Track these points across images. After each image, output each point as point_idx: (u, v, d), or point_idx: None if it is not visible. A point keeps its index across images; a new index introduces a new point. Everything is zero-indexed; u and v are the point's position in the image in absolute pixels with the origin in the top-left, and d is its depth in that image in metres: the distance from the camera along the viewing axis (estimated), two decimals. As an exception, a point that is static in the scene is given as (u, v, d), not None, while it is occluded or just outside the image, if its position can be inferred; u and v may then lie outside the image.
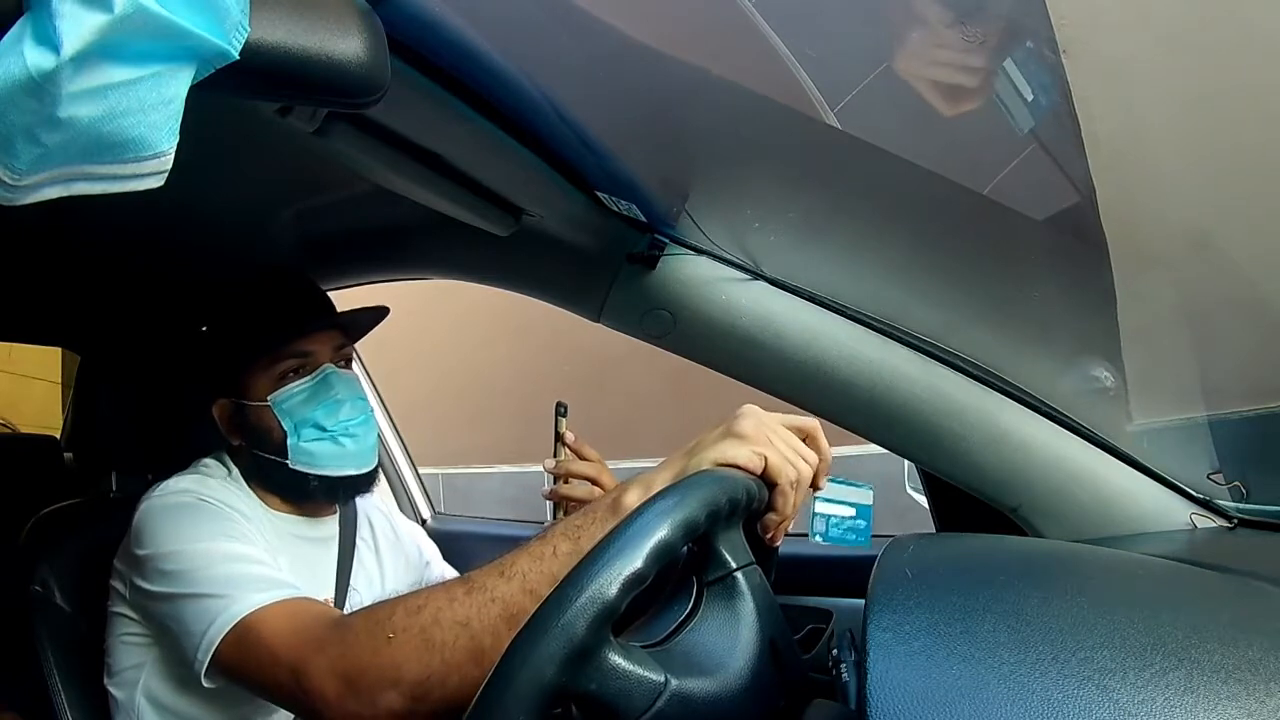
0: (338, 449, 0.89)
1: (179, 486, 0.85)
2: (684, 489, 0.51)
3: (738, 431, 0.60)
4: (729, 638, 0.52)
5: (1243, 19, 0.54)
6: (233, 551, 0.76)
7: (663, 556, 0.45)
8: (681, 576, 0.56)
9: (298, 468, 0.88)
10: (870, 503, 0.70)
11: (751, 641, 0.52)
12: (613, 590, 0.42)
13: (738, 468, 0.59)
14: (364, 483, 0.93)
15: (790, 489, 0.60)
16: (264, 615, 0.68)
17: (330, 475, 0.89)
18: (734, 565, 0.54)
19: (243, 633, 0.68)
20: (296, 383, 0.89)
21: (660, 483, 0.59)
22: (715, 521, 0.51)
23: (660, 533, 0.46)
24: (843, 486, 0.73)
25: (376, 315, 1.01)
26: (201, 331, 0.97)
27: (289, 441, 0.88)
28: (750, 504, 0.57)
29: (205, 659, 0.69)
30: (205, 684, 0.71)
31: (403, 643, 0.58)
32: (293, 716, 0.80)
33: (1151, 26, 0.56)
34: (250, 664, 0.68)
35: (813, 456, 0.63)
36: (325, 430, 0.88)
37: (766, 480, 0.60)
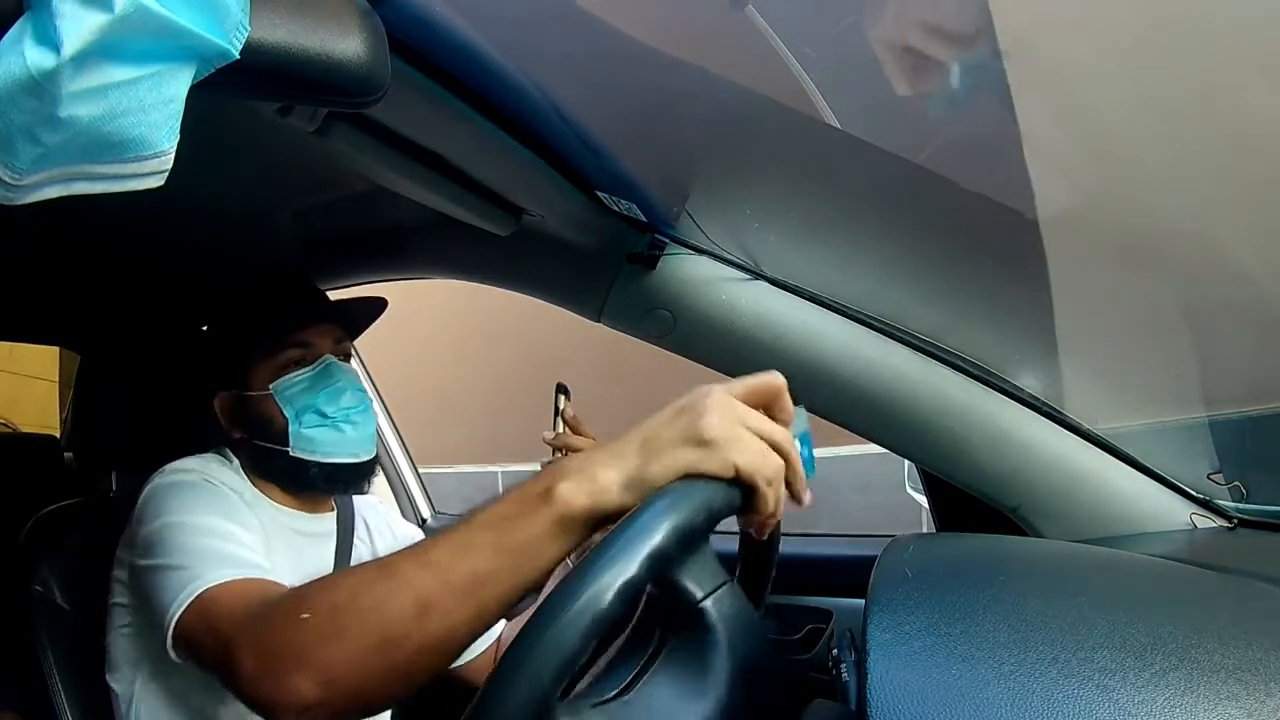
0: (338, 435, 0.90)
1: (185, 466, 0.86)
2: (637, 529, 0.44)
3: (702, 436, 0.50)
4: (694, 684, 0.47)
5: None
6: (214, 527, 0.77)
7: (627, 599, 0.41)
8: (641, 619, 0.51)
9: (298, 454, 0.89)
10: (808, 427, 0.59)
11: (721, 682, 0.47)
12: (550, 673, 0.39)
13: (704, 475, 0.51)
14: (364, 471, 0.94)
15: (768, 487, 0.52)
16: (220, 591, 0.68)
17: (331, 462, 0.90)
18: (699, 595, 0.48)
19: (199, 607, 0.68)
20: (298, 372, 0.90)
21: (604, 481, 0.50)
22: (676, 553, 0.45)
23: (617, 585, 0.41)
24: None
25: (375, 309, 1.02)
26: (203, 330, 0.98)
27: (290, 429, 0.89)
28: (723, 517, 0.49)
29: (169, 631, 0.69)
30: (173, 656, 0.71)
31: (314, 623, 0.55)
32: None
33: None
34: (203, 639, 0.67)
35: (786, 436, 0.54)
36: (326, 417, 0.89)
37: (741, 485, 0.51)
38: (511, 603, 0.50)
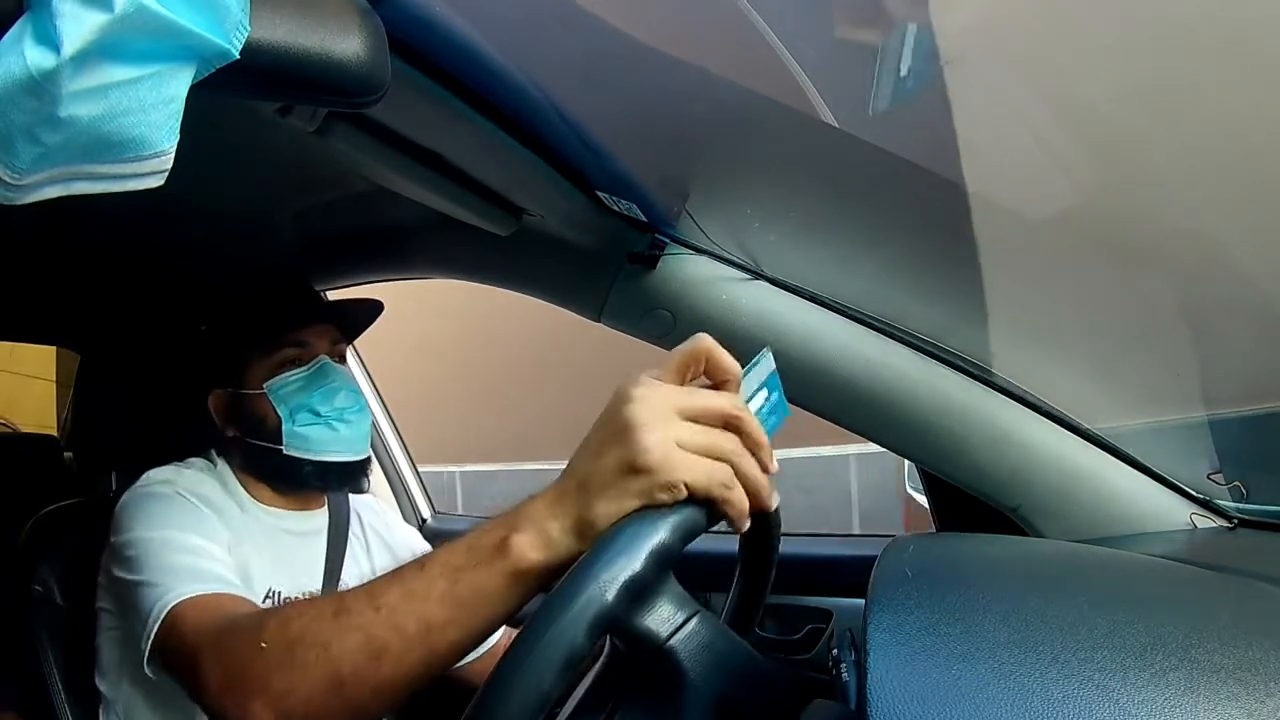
0: (332, 434, 0.90)
1: (158, 478, 0.87)
2: (575, 592, 0.40)
3: (637, 463, 0.44)
4: None
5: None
6: (184, 543, 0.78)
7: (572, 668, 0.38)
8: (596, 677, 0.48)
9: (292, 453, 0.89)
10: (773, 367, 0.52)
11: None
12: None
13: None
14: (357, 471, 0.94)
15: (728, 491, 0.46)
16: (188, 606, 0.70)
17: (324, 460, 0.90)
18: (664, 635, 0.44)
19: (171, 623, 0.69)
20: (293, 371, 0.91)
21: (554, 533, 0.47)
22: (628, 603, 0.41)
23: (566, 648, 0.38)
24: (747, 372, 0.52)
25: (372, 311, 1.03)
26: (201, 330, 0.98)
27: (284, 427, 0.89)
28: (687, 542, 0.44)
29: (146, 648, 0.71)
30: (148, 672, 0.72)
31: (271, 653, 0.55)
32: None
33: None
34: (174, 654, 0.68)
35: (732, 403, 0.48)
36: (320, 415, 0.90)
37: (698, 501, 0.45)
38: (465, 650, 0.50)
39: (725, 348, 0.50)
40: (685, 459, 0.45)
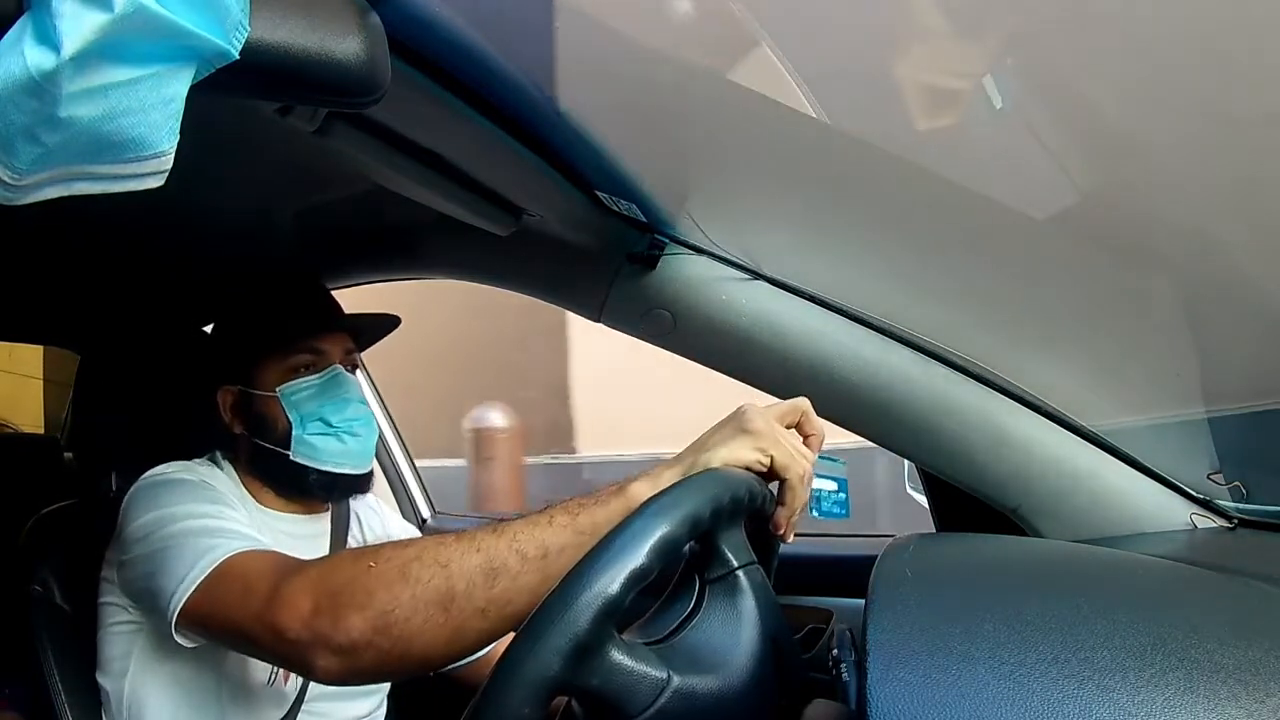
0: (340, 446, 0.90)
1: (166, 468, 0.87)
2: (688, 487, 0.51)
3: (747, 429, 0.60)
4: (731, 635, 0.52)
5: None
6: (208, 510, 0.78)
7: (666, 553, 0.46)
8: (684, 574, 0.56)
9: (299, 460, 0.89)
10: (845, 475, 0.72)
11: (753, 639, 0.52)
12: (616, 586, 0.43)
13: (745, 468, 0.59)
14: (361, 483, 0.95)
15: (798, 483, 0.61)
16: (246, 558, 0.69)
17: (330, 471, 0.90)
18: (736, 564, 0.54)
19: (223, 572, 0.68)
20: (307, 378, 0.91)
21: (668, 478, 0.59)
22: (718, 520, 0.52)
23: (663, 529, 0.46)
24: (822, 461, 0.73)
25: (388, 325, 1.04)
26: (212, 326, 0.99)
27: (294, 433, 0.89)
28: (754, 503, 0.57)
29: (179, 602, 0.68)
30: (176, 638, 0.71)
31: (381, 572, 0.57)
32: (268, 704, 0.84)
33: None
34: (223, 602, 0.67)
35: (811, 455, 0.64)
36: (331, 426, 0.90)
37: (775, 476, 0.61)
38: None
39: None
40: (781, 442, 0.61)
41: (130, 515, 0.80)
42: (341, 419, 0.90)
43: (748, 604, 0.53)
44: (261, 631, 0.62)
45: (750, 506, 0.56)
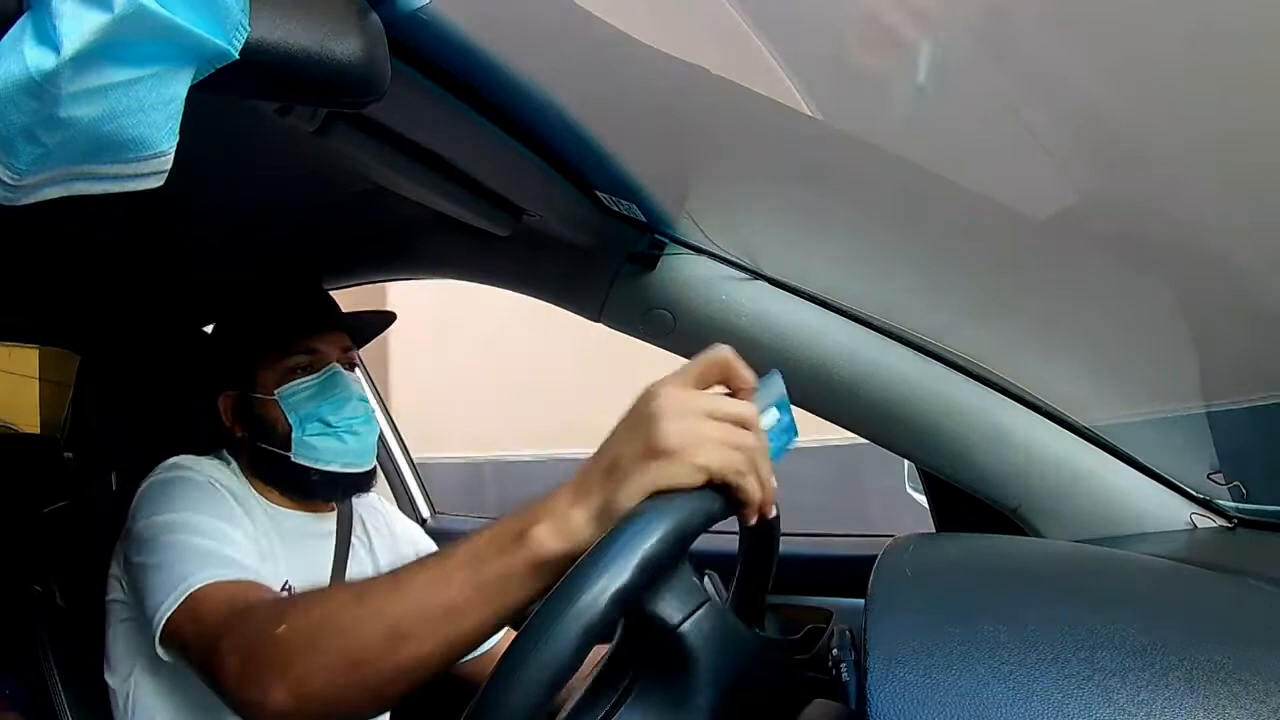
0: (340, 445, 0.91)
1: (183, 463, 0.88)
2: (608, 563, 0.41)
3: (661, 446, 0.46)
4: (672, 716, 0.44)
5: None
6: (206, 526, 0.78)
7: (590, 646, 0.39)
8: (612, 653, 0.48)
9: (300, 461, 0.90)
10: (783, 390, 0.54)
11: (703, 710, 0.44)
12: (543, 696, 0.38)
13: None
14: (364, 481, 0.95)
15: (746, 479, 0.48)
16: (210, 590, 0.70)
17: (331, 470, 0.91)
18: (677, 619, 0.45)
19: (189, 605, 0.70)
20: (304, 379, 0.91)
21: (577, 523, 0.48)
22: (646, 583, 0.42)
23: (587, 623, 0.39)
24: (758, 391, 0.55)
25: (384, 321, 1.04)
26: (209, 329, 0.99)
27: (293, 435, 0.89)
28: (706, 527, 0.46)
29: (158, 628, 0.71)
30: (161, 654, 0.73)
31: (291, 638, 0.56)
32: None
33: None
34: (190, 637, 0.69)
35: (749, 410, 0.50)
36: (330, 426, 0.90)
37: (717, 487, 0.48)
38: (487, 634, 0.51)
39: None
40: (705, 445, 0.47)
41: (139, 511, 0.81)
42: (340, 418, 0.90)
43: (696, 670, 0.45)
44: (212, 681, 0.64)
45: (694, 539, 0.45)
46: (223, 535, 0.78)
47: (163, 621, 0.70)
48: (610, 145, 0.73)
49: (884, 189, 0.75)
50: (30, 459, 1.41)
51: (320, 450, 0.90)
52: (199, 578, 0.71)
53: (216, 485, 0.85)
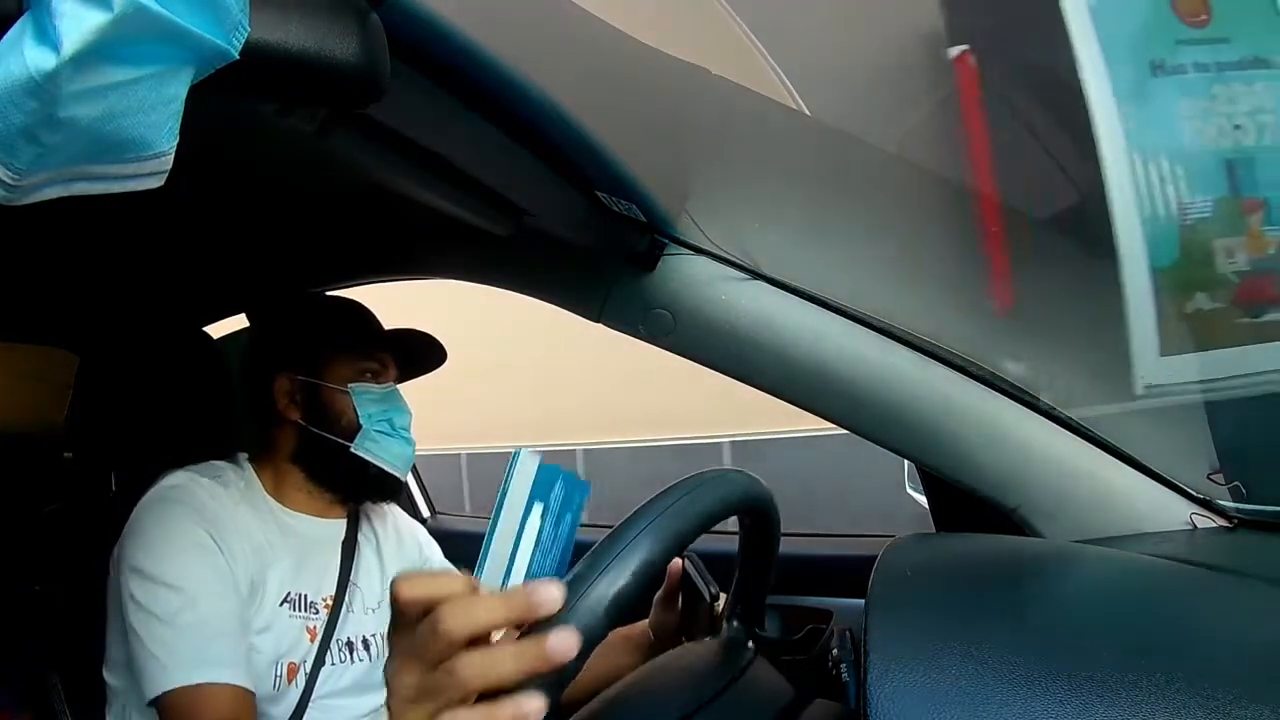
0: (399, 448, 0.98)
1: (177, 484, 0.89)
2: None
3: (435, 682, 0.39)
4: None
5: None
6: (200, 607, 0.81)
7: None
8: None
9: (359, 454, 0.95)
10: (533, 470, 0.44)
11: None
12: None
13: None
14: (398, 487, 1.02)
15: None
16: (179, 697, 0.77)
17: (385, 470, 0.97)
18: None
19: (165, 706, 0.78)
20: (374, 384, 0.98)
21: None
22: None
23: None
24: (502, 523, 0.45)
25: (436, 361, 1.10)
26: (267, 310, 1.07)
27: (362, 428, 0.95)
28: None
29: (148, 702, 0.79)
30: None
31: None
32: None
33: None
34: None
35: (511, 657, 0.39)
36: (394, 429, 0.97)
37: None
38: None
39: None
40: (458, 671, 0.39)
41: (139, 544, 0.83)
42: (402, 425, 0.98)
43: None
44: None
45: None
46: (214, 616, 0.81)
47: (152, 701, 0.78)
48: (610, 145, 0.73)
49: (885, 188, 0.75)
50: (30, 459, 1.41)
51: (382, 447, 0.96)
52: (171, 680, 0.77)
53: (207, 529, 0.86)
